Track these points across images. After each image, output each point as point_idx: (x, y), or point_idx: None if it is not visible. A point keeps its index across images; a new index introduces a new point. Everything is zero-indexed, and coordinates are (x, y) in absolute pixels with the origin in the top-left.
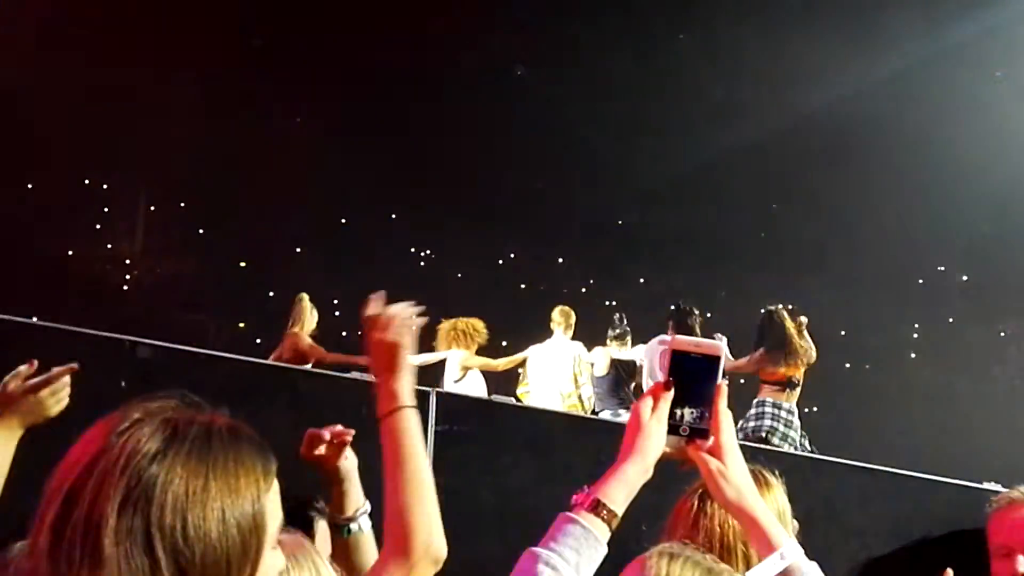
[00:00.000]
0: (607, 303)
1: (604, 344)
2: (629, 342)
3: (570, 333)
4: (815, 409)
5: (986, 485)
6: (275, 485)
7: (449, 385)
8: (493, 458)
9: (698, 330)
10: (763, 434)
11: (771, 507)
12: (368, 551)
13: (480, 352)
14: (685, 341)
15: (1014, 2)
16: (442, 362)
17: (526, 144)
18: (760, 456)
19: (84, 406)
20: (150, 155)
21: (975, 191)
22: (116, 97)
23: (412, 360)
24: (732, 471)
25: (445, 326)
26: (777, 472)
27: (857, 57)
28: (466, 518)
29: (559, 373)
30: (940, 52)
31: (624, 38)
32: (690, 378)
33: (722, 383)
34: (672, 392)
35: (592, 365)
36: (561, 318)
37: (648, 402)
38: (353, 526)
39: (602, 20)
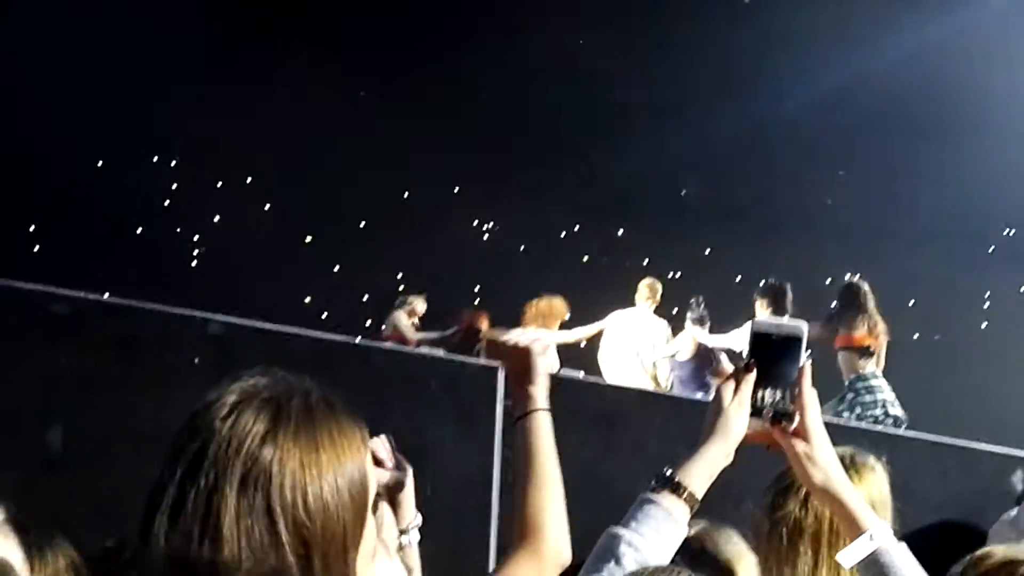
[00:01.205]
0: (671, 275)
1: (682, 327)
2: (708, 325)
3: (654, 306)
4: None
5: None
6: (368, 449)
7: None
8: (561, 433)
9: (789, 308)
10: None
11: (866, 495)
12: (412, 562)
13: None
14: (766, 323)
15: None
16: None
17: (586, 116)
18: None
19: (158, 382)
20: (216, 132)
21: None
22: (180, 75)
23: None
24: (819, 453)
25: (529, 306)
26: (883, 459)
27: (917, 16)
28: None
29: (641, 346)
30: (1004, 7)
31: (682, 6)
32: (773, 360)
33: (806, 364)
34: (754, 374)
35: (675, 350)
36: (648, 291)
37: (730, 385)
38: (403, 539)
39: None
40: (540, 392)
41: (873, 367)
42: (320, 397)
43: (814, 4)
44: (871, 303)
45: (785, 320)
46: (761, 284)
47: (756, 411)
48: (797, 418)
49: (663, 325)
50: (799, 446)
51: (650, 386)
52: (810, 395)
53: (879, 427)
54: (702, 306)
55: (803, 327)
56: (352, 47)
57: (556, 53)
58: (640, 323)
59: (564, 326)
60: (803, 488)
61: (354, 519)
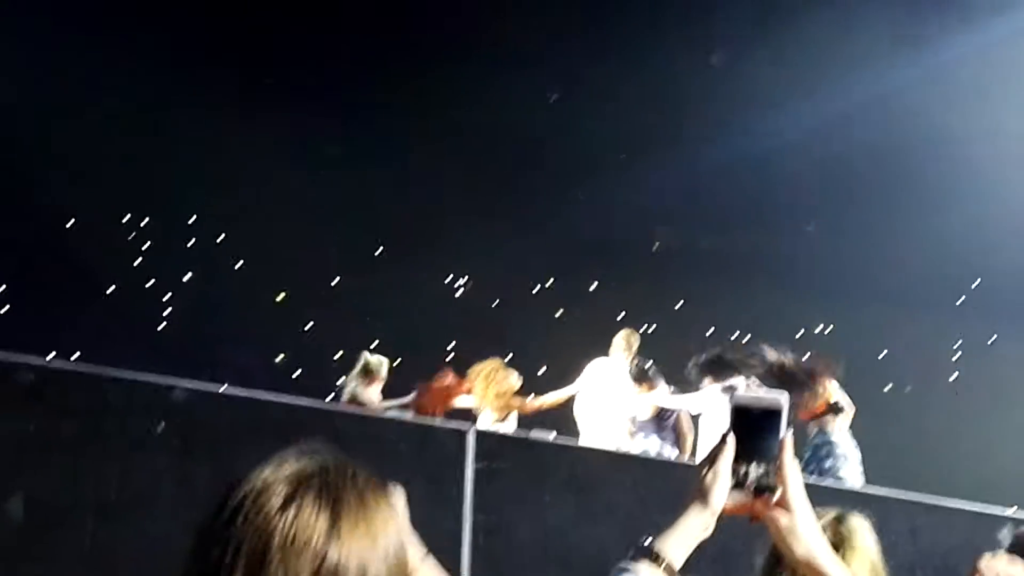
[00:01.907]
0: (645, 328)
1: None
2: (660, 385)
3: (630, 359)
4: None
5: None
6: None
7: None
8: (532, 496)
9: (741, 369)
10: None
11: (867, 561)
12: None
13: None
14: (746, 396)
15: None
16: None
17: (558, 171)
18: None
19: (122, 449)
20: (189, 190)
21: (1015, 202)
22: (154, 132)
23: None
24: (800, 526)
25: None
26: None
27: (892, 65)
28: (507, 556)
29: (618, 398)
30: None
31: (657, 58)
32: (753, 433)
33: (787, 436)
34: (733, 447)
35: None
36: (625, 343)
37: (711, 457)
38: None
39: (631, 39)
40: None
41: (828, 432)
42: (366, 477)
43: (785, 62)
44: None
45: (765, 393)
46: (701, 359)
47: (738, 484)
48: (779, 491)
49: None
50: (782, 518)
51: (628, 439)
52: (792, 468)
53: (849, 485)
54: (651, 366)
55: (783, 400)
56: (322, 104)
57: (528, 108)
58: (617, 375)
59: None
60: None
61: None
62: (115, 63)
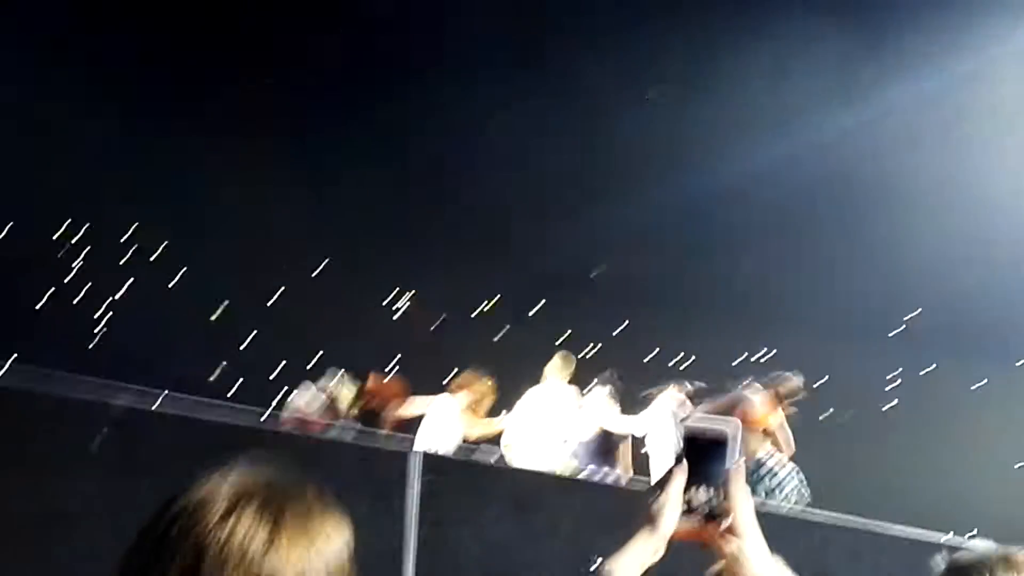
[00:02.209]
0: (587, 349)
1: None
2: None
3: (567, 379)
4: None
5: (976, 542)
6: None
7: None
8: (475, 517)
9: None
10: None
11: None
12: None
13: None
14: (696, 423)
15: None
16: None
17: (507, 189)
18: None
19: (58, 465)
20: (125, 202)
21: (955, 236)
22: (89, 142)
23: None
24: (751, 552)
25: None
26: None
27: (831, 106)
28: (450, 574)
29: (555, 421)
30: (914, 99)
31: (591, 93)
32: (704, 459)
33: (739, 461)
34: (684, 473)
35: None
36: (562, 364)
37: (662, 482)
38: None
39: (574, 72)
40: None
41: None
42: (314, 494)
43: (723, 103)
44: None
45: (715, 421)
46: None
47: (689, 510)
48: (730, 517)
49: (575, 397)
50: (731, 545)
51: (565, 462)
52: (742, 494)
53: (790, 508)
54: (616, 380)
55: (732, 428)
56: (268, 120)
57: (478, 128)
58: (553, 397)
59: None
60: None
61: None
62: (51, 66)
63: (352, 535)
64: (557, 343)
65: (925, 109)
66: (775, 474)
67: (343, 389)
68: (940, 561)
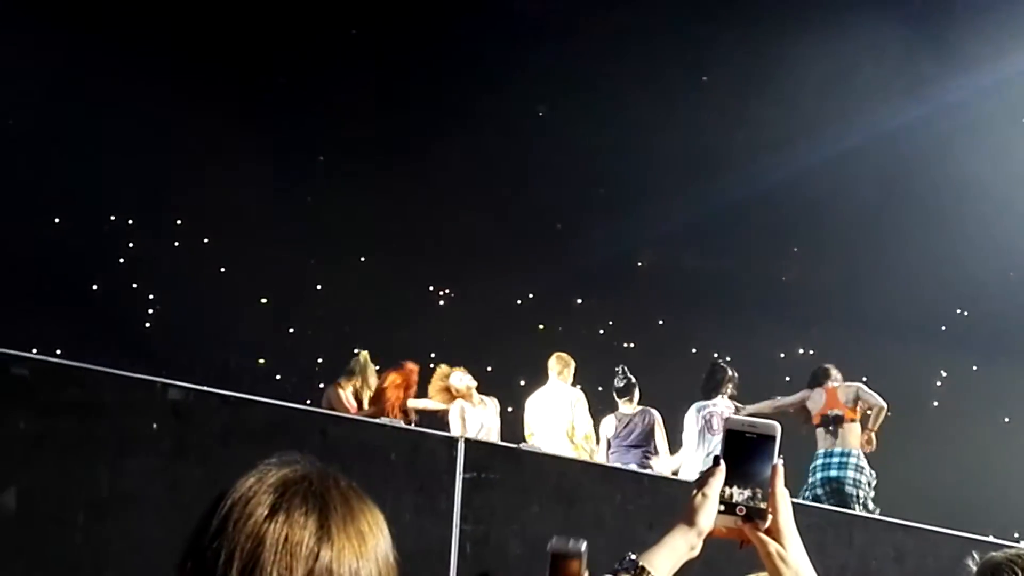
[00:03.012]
0: (625, 345)
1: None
2: (636, 395)
3: (568, 379)
4: None
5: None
6: None
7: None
8: (520, 506)
9: (729, 387)
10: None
11: None
12: None
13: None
14: (739, 421)
15: None
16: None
17: (545, 185)
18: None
19: (116, 446)
20: (173, 190)
21: (1001, 235)
22: (143, 134)
23: None
24: (791, 554)
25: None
26: None
27: (878, 101)
28: (494, 565)
29: (559, 420)
30: (967, 97)
31: (646, 80)
32: (745, 458)
33: (779, 463)
34: (723, 471)
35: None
36: (558, 364)
37: (702, 479)
38: None
39: (625, 62)
40: None
41: (826, 447)
42: (348, 483)
43: (776, 88)
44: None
45: (758, 419)
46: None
47: (729, 508)
48: (770, 517)
49: (578, 394)
50: (771, 545)
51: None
52: (782, 495)
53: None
54: (626, 373)
55: (776, 428)
56: (314, 111)
57: (521, 126)
58: (555, 397)
59: (503, 390)
60: None
61: None
62: (106, 64)
63: (386, 526)
64: (599, 334)
65: (982, 106)
66: (862, 468)
67: (367, 377)
68: (972, 564)
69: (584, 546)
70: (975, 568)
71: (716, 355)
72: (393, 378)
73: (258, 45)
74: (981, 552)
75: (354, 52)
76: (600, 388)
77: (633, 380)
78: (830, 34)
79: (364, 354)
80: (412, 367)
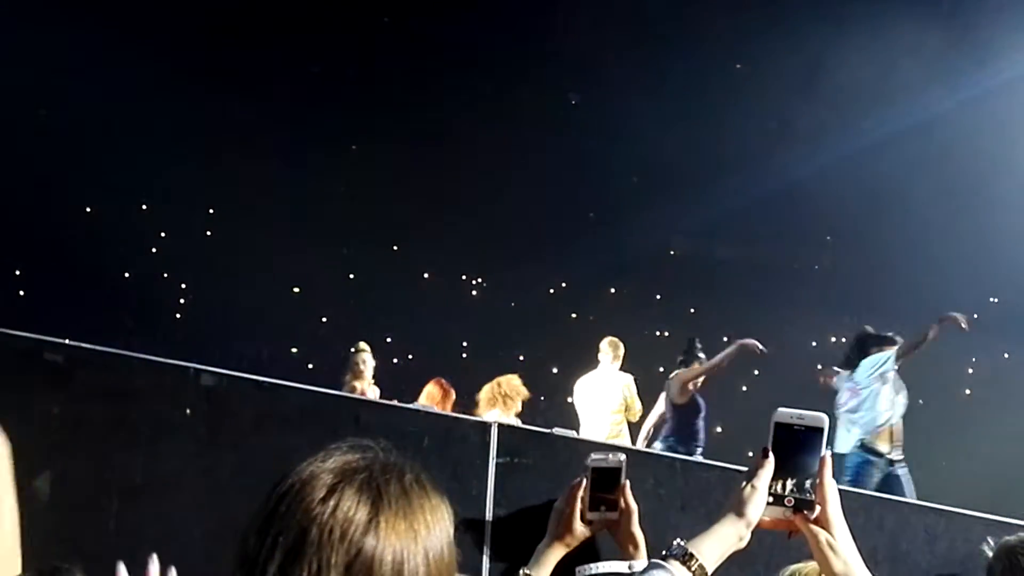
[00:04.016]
0: (657, 333)
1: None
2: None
3: (618, 364)
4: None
5: None
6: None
7: None
8: (555, 491)
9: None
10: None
11: None
12: None
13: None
14: (787, 413)
15: None
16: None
17: (578, 174)
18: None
19: (150, 433)
20: (206, 179)
21: None
22: (174, 123)
23: None
24: (840, 543)
25: (485, 389)
26: None
27: (910, 92)
28: (529, 553)
29: (607, 403)
30: (995, 86)
31: (677, 69)
32: (793, 449)
33: (827, 454)
34: (772, 462)
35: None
36: (609, 349)
37: (751, 471)
38: None
39: (655, 52)
40: None
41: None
42: (414, 476)
43: (806, 77)
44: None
45: (807, 412)
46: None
47: (778, 499)
48: (818, 508)
49: (629, 379)
50: (821, 535)
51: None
52: (831, 486)
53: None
54: (696, 346)
55: (824, 419)
56: (345, 101)
57: (552, 116)
58: (605, 381)
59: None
60: None
61: None
62: (138, 53)
63: (451, 519)
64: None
65: (1013, 97)
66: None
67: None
68: (987, 549)
69: (623, 457)
70: (991, 553)
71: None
72: (432, 392)
73: (291, 34)
74: (1010, 534)
75: (386, 41)
76: (632, 376)
77: (699, 355)
78: (863, 25)
79: (359, 344)
80: (449, 386)
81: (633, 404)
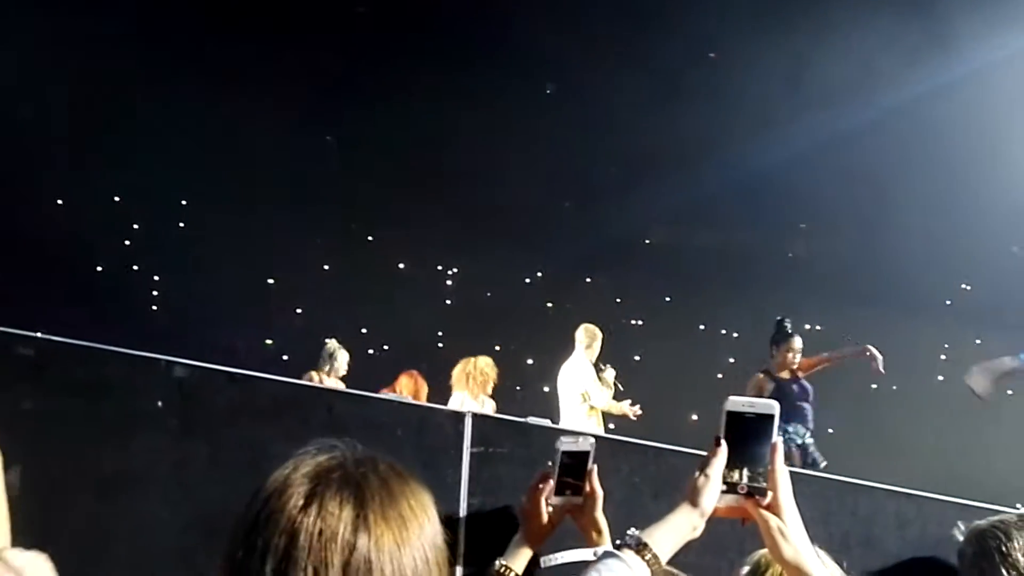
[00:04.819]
0: (633, 323)
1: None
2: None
3: (592, 353)
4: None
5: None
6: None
7: None
8: (528, 480)
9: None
10: None
11: None
12: None
13: (502, 372)
14: (739, 401)
15: None
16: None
17: (554, 164)
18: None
19: (122, 425)
20: (178, 171)
21: (1004, 209)
22: (145, 112)
23: None
24: (790, 529)
25: (458, 368)
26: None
27: (885, 78)
28: (504, 539)
29: (574, 391)
30: (971, 75)
31: (654, 58)
32: (745, 437)
33: (778, 440)
34: (724, 451)
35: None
36: (584, 336)
37: (705, 460)
38: None
39: (633, 39)
40: None
41: None
42: (388, 465)
43: (782, 62)
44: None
45: (758, 399)
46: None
47: (731, 487)
48: (770, 494)
49: (587, 369)
50: (772, 521)
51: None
52: (782, 472)
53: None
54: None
55: (775, 406)
56: (317, 90)
57: (528, 105)
58: (573, 370)
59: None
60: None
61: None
62: (105, 41)
63: (432, 501)
64: (608, 313)
65: (986, 85)
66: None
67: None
68: (959, 534)
69: (592, 442)
70: (962, 537)
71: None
72: (406, 383)
73: (264, 26)
74: (979, 519)
75: (360, 31)
76: (608, 365)
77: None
78: (841, 15)
79: (332, 342)
80: (418, 375)
81: (588, 396)
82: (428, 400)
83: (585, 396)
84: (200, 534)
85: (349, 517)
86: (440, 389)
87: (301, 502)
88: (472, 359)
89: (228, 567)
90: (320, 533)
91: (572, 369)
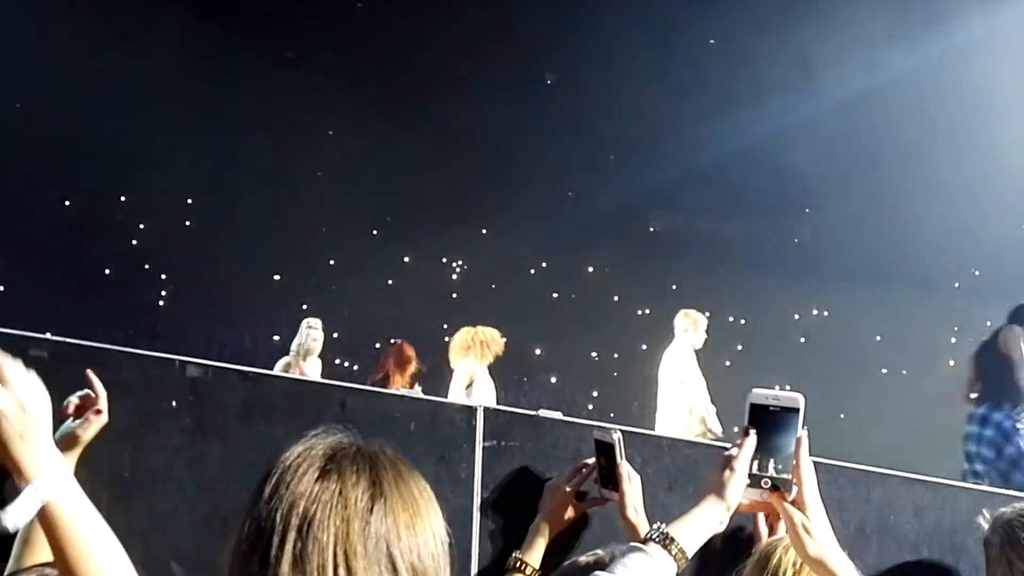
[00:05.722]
0: (639, 312)
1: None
2: None
3: (690, 336)
4: (843, 416)
5: None
6: None
7: (457, 393)
8: (543, 473)
9: None
10: None
11: None
12: None
13: (509, 362)
14: (762, 394)
15: None
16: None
17: (556, 154)
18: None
19: (136, 426)
20: (185, 170)
21: (1015, 192)
22: (150, 114)
23: None
24: (815, 525)
25: (459, 335)
26: None
27: (889, 54)
28: (518, 534)
29: (670, 377)
30: (979, 47)
31: (654, 46)
32: (770, 431)
33: (803, 435)
34: (751, 444)
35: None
36: (685, 322)
37: (732, 451)
38: None
39: (631, 27)
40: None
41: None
42: (395, 453)
43: (787, 43)
44: None
45: (782, 392)
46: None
47: (754, 481)
48: (795, 489)
49: (685, 355)
50: (796, 517)
51: (695, 421)
52: (807, 466)
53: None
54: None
55: (800, 400)
56: (320, 85)
57: (531, 94)
58: (670, 356)
59: (510, 358)
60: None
61: (448, 554)
62: (109, 43)
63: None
64: (613, 301)
65: (987, 56)
66: None
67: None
68: (983, 522)
69: (618, 435)
70: (987, 525)
71: None
72: (392, 358)
73: (265, 20)
74: (996, 506)
75: (360, 23)
76: (616, 355)
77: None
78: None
79: (310, 321)
80: (402, 343)
81: (684, 379)
82: (423, 376)
83: (681, 379)
84: (216, 531)
85: (366, 485)
86: (439, 378)
87: (319, 473)
88: (473, 328)
89: (247, 533)
90: (340, 494)
91: (671, 356)
